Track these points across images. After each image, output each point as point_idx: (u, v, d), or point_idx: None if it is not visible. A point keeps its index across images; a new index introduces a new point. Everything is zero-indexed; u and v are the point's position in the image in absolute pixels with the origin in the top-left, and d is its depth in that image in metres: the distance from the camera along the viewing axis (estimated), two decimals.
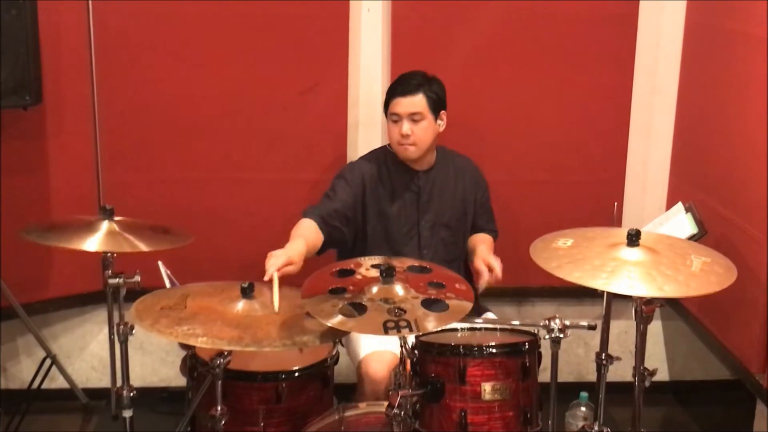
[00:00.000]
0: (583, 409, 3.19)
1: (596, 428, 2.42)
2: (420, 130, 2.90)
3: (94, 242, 2.57)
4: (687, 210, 3.03)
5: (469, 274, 3.05)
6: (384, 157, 3.04)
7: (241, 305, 2.32)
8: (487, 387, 2.29)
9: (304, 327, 2.27)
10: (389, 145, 3.01)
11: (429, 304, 2.20)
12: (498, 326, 2.49)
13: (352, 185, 2.97)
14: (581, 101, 3.44)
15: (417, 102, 2.89)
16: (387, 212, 3.00)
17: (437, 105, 2.93)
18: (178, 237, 2.73)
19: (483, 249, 2.96)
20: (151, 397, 3.49)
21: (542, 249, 2.32)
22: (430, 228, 3.02)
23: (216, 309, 2.30)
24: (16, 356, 3.55)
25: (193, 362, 2.50)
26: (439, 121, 2.95)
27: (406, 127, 2.89)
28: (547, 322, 2.30)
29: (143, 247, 2.59)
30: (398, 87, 2.93)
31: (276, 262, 2.45)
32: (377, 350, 2.74)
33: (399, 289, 2.24)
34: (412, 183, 3.01)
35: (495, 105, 3.41)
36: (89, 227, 2.64)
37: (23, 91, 3.00)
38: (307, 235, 2.76)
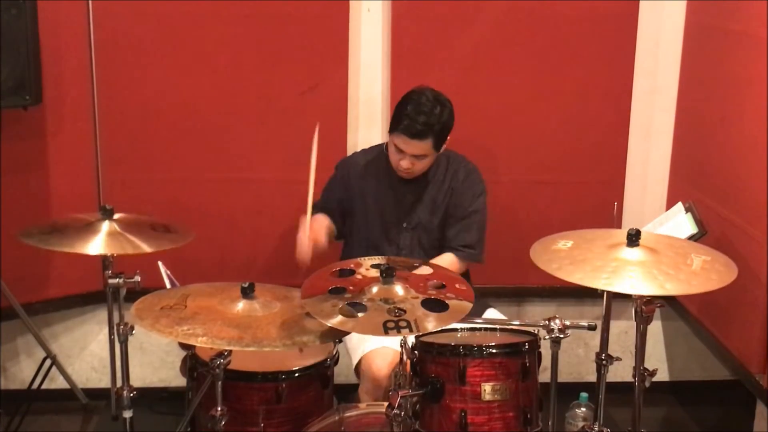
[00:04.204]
0: (583, 409, 3.18)
1: (596, 428, 2.42)
2: (421, 164, 2.89)
3: (95, 245, 2.56)
4: (687, 210, 3.03)
5: None
6: (381, 154, 3.05)
7: (241, 305, 2.32)
8: (487, 387, 2.29)
9: (304, 327, 2.27)
10: (386, 146, 3.00)
11: (429, 304, 2.20)
12: (498, 326, 2.49)
13: (340, 181, 3.05)
14: (581, 101, 3.44)
15: (423, 146, 2.83)
16: (370, 209, 3.01)
17: (444, 140, 2.88)
18: (179, 235, 2.73)
19: None
20: (151, 398, 3.49)
21: (542, 251, 2.31)
22: (411, 230, 3.01)
23: (216, 309, 2.30)
24: (16, 356, 3.54)
25: (193, 362, 2.50)
26: (443, 146, 2.90)
27: (407, 162, 2.86)
28: (547, 322, 2.30)
29: (145, 247, 2.58)
30: (405, 120, 2.79)
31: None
32: (378, 347, 2.74)
33: (399, 289, 2.24)
34: (400, 185, 3.00)
35: (495, 105, 3.41)
36: (90, 228, 2.63)
37: (23, 91, 3.00)
38: (322, 219, 3.01)
